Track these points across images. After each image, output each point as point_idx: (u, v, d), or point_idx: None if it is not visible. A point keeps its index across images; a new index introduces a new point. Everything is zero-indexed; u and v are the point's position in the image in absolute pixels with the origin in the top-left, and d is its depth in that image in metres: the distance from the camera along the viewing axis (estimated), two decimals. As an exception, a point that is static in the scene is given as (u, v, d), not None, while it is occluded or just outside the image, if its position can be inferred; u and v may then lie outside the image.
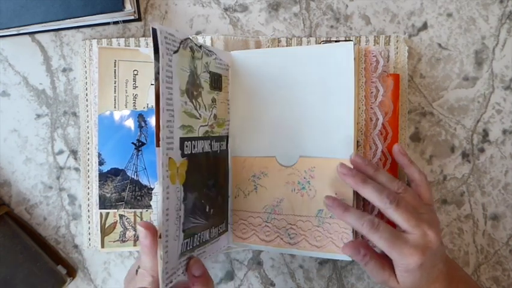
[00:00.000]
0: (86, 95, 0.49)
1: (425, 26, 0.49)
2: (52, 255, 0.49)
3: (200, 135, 0.40)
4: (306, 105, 0.43)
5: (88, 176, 0.49)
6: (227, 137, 0.46)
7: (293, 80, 0.44)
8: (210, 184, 0.42)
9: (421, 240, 0.37)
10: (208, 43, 0.47)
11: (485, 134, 0.49)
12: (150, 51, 0.47)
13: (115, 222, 0.47)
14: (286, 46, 0.48)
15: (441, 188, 0.49)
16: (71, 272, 0.50)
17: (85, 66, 0.49)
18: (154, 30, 0.32)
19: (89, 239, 0.49)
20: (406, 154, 0.43)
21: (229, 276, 0.51)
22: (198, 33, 0.50)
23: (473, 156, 0.49)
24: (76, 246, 0.51)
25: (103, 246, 0.47)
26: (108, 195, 0.47)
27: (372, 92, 0.44)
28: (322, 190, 0.43)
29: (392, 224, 0.38)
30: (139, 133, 0.47)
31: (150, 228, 0.35)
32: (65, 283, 0.49)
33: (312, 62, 0.43)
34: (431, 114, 0.49)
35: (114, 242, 0.47)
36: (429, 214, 0.39)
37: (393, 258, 0.37)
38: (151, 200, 0.47)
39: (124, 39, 0.49)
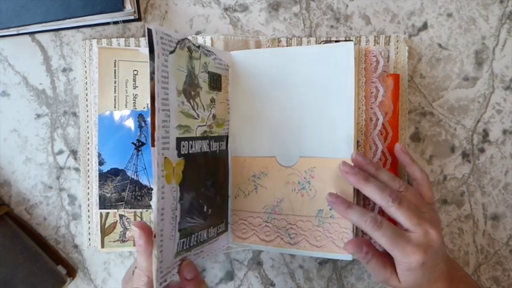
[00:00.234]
0: (86, 95, 0.49)
1: (425, 26, 0.49)
2: (52, 255, 0.49)
3: (198, 135, 0.39)
4: (306, 105, 0.43)
5: (88, 176, 0.49)
6: (227, 137, 0.46)
7: (293, 80, 0.44)
8: (208, 184, 0.42)
9: (423, 239, 0.37)
10: (208, 43, 0.47)
11: (485, 134, 0.49)
12: (150, 51, 0.47)
13: (115, 222, 0.47)
14: (287, 46, 0.48)
15: (442, 188, 0.49)
16: (71, 272, 0.50)
17: (85, 66, 0.49)
18: (150, 31, 0.32)
19: (89, 239, 0.49)
20: (408, 153, 0.43)
21: (229, 276, 0.51)
22: (197, 33, 0.50)
23: (473, 156, 0.49)
24: (75, 246, 0.51)
25: (103, 246, 0.47)
26: (108, 195, 0.47)
27: (372, 92, 0.44)
28: (322, 190, 0.43)
29: (394, 223, 0.38)
30: (139, 133, 0.47)
31: (145, 228, 0.35)
32: (65, 283, 0.49)
33: (312, 62, 0.43)
34: (431, 114, 0.49)
35: (114, 242, 0.47)
36: (430, 213, 0.39)
37: (395, 256, 0.37)
38: (151, 200, 0.47)
39: (124, 39, 0.49)
